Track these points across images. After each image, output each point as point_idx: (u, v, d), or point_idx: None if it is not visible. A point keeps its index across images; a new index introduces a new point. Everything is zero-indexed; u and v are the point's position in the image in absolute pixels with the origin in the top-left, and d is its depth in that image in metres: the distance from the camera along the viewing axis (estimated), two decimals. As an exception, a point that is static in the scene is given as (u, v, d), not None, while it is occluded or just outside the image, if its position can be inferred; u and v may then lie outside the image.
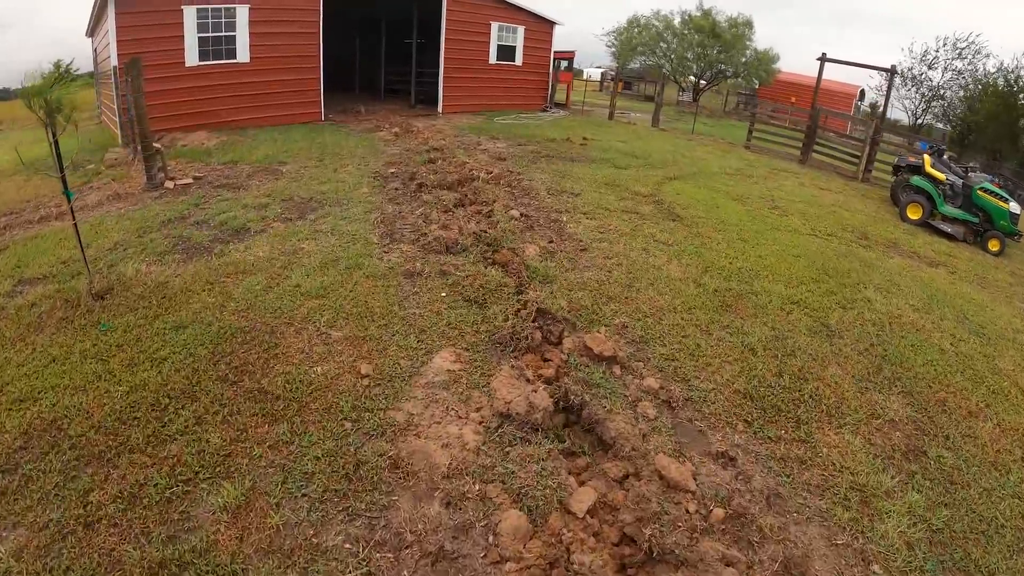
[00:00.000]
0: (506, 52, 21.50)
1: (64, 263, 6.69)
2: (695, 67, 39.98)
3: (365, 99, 23.02)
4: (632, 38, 40.81)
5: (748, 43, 39.66)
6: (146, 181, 9.91)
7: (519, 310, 5.31)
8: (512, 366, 4.62)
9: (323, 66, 17.03)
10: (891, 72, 20.38)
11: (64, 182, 5.62)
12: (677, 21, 41.01)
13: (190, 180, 10.22)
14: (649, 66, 43.08)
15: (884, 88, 43.89)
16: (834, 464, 4.26)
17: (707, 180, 12.83)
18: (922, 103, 41.93)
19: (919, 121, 42.23)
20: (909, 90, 42.39)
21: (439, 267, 6.26)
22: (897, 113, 42.50)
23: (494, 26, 20.82)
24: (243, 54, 15.34)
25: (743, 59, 39.31)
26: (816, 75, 46.50)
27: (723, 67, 39.80)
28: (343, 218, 7.85)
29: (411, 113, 19.69)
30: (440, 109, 19.93)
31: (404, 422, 4.04)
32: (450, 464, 3.71)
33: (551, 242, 7.38)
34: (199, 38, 14.75)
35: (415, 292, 5.74)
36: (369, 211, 8.17)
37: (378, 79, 24.32)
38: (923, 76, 40.61)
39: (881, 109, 31.02)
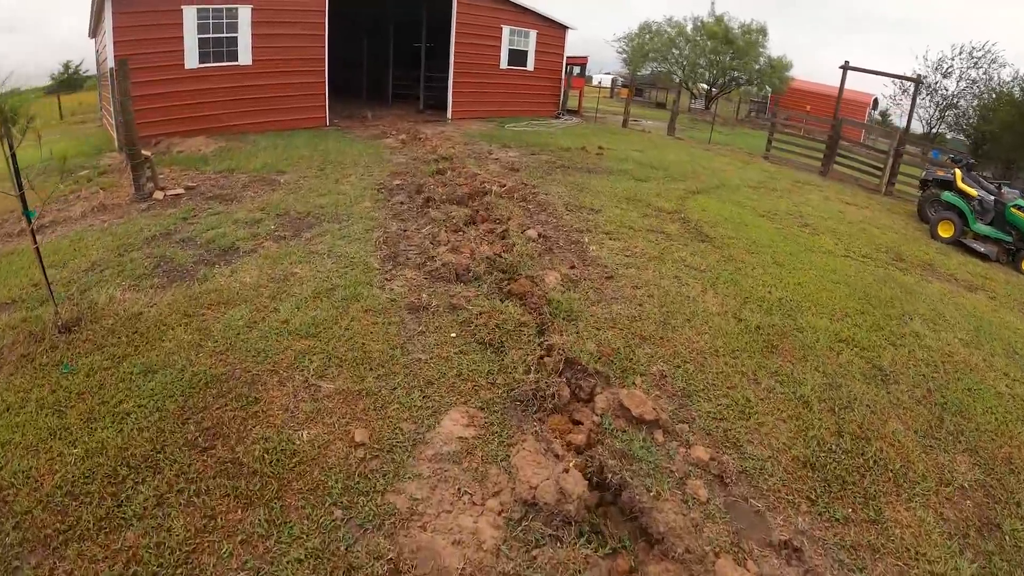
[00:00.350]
0: (517, 57, 20.77)
1: (36, 286, 5.95)
2: (707, 74, 39.21)
3: (372, 104, 22.33)
4: (644, 44, 40.08)
5: (762, 50, 38.94)
6: (134, 192, 9.19)
7: (542, 357, 4.53)
8: (536, 433, 3.85)
9: (328, 69, 16.33)
10: (916, 82, 19.49)
11: (23, 201, 4.87)
12: (689, 28, 40.36)
13: (181, 190, 9.49)
14: (660, 73, 42.36)
15: (898, 97, 43.13)
16: (908, 550, 3.54)
17: (731, 194, 12.05)
18: (936, 112, 41.05)
19: (934, 130, 41.34)
20: (923, 99, 41.52)
21: (448, 299, 5.49)
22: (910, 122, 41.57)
23: (505, 30, 20.10)
24: (245, 56, 14.63)
25: (756, 66, 38.55)
26: (829, 83, 45.78)
27: (736, 74, 39.03)
28: (342, 237, 7.10)
29: (419, 119, 18.96)
30: (449, 115, 19.19)
31: (406, 510, 3.26)
32: (463, 569, 2.95)
33: (573, 267, 6.60)
34: (199, 39, 14.06)
35: (420, 332, 4.97)
36: (371, 229, 7.41)
37: (385, 83, 23.61)
38: (938, 85, 39.71)
39: (906, 121, 30.12)
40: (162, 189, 9.49)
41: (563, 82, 22.69)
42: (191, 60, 14.08)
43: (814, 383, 5.09)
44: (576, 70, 23.92)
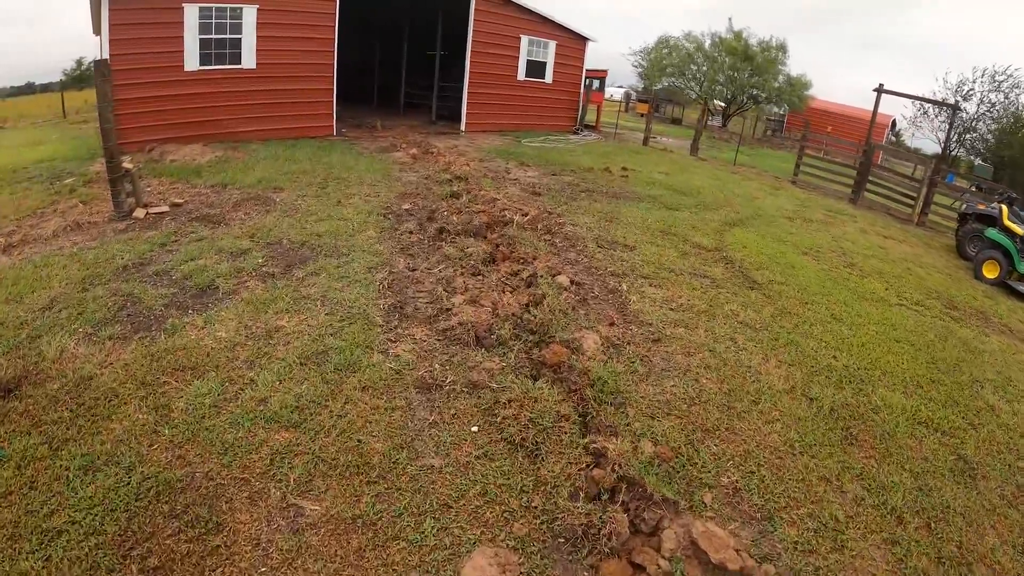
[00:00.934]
0: (536, 68, 19.80)
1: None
2: (726, 91, 38.20)
3: (383, 112, 21.38)
4: (662, 58, 39.11)
5: (781, 67, 37.94)
6: (113, 209, 8.19)
7: (589, 467, 3.50)
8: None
9: (338, 76, 15.37)
10: (954, 109, 18.46)
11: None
12: (708, 43, 39.37)
13: (166, 208, 8.50)
14: (676, 88, 41.35)
15: (918, 119, 42.14)
16: None
17: (768, 227, 11.03)
18: (954, 135, 40.09)
19: (952, 153, 40.37)
20: (943, 121, 40.56)
21: (467, 374, 4.45)
22: (925, 143, 40.68)
23: (524, 40, 19.13)
24: (249, 59, 13.67)
25: (775, 84, 37.54)
26: (849, 103, 44.82)
27: (755, 92, 38.02)
28: (340, 277, 6.08)
29: (431, 130, 17.97)
30: (463, 127, 18.21)
31: None
32: None
33: (613, 325, 5.57)
34: (201, 40, 13.11)
35: (432, 423, 3.93)
36: (374, 267, 6.39)
37: (398, 91, 22.61)
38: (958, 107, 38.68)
39: (923, 143, 29.25)
40: (145, 206, 8.51)
41: (582, 96, 21.71)
42: (191, 62, 13.13)
43: (904, 487, 4.18)
44: (595, 84, 22.94)
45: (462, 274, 6.13)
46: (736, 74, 37.48)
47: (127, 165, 8.38)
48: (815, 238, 11.01)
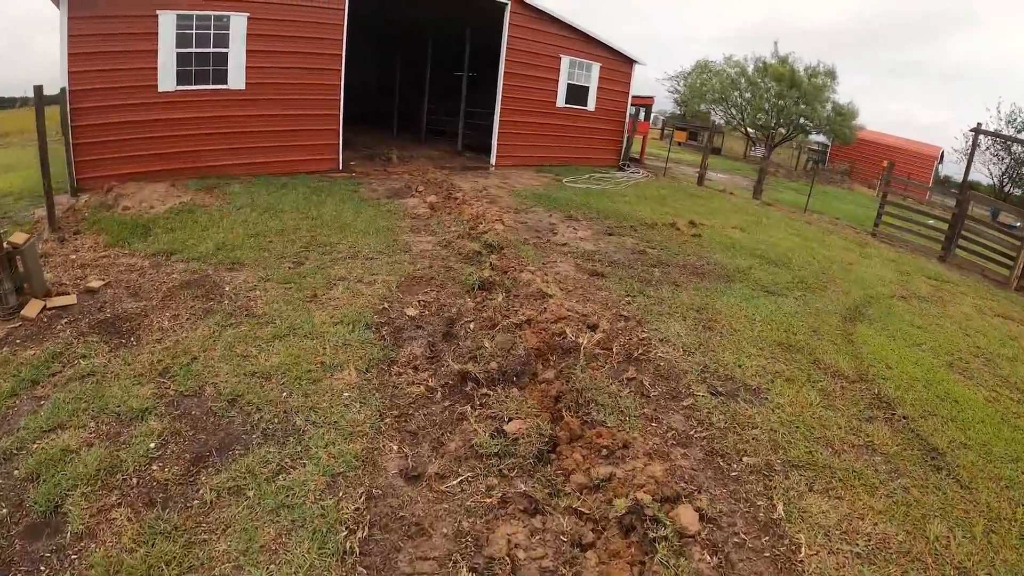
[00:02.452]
0: (577, 94, 16.99)
1: None
2: (772, 120, 35.15)
3: (402, 139, 18.67)
4: (702, 84, 36.16)
5: (831, 95, 34.85)
6: (-12, 302, 5.47)
7: None
8: None
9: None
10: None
11: None
12: (751, 68, 36.39)
13: (72, 300, 5.78)
14: (701, 113, 38.27)
15: (968, 150, 38.74)
16: None
17: (889, 318, 8.16)
18: (1007, 168, 36.73)
19: (1006, 189, 37.01)
20: (996, 152, 37.17)
21: None
22: (977, 176, 37.42)
23: (564, 61, 16.36)
24: (236, 78, 11.02)
25: (825, 113, 34.42)
26: (897, 133, 41.39)
27: (803, 121, 34.93)
28: (276, 507, 3.23)
29: (456, 164, 15.18)
30: (493, 161, 15.40)
31: None
32: None
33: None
34: (179, 55, 10.52)
35: None
36: (343, 473, 3.53)
37: (420, 116, 19.77)
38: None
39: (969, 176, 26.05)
40: (47, 295, 5.78)
41: (627, 126, 18.87)
42: (167, 81, 10.53)
43: None
44: (641, 112, 20.07)
45: (503, 502, 3.26)
46: (783, 101, 34.44)
47: (14, 241, 5.63)
48: (946, 334, 7.99)
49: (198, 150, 11.00)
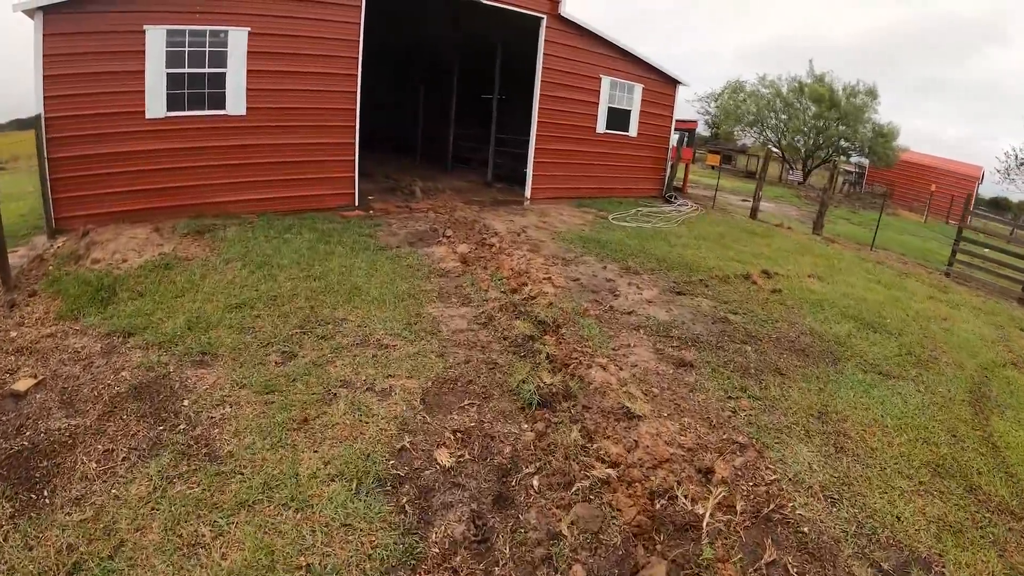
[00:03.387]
0: (618, 118, 15.15)
1: None
2: (811, 142, 33.07)
3: (426, 167, 16.91)
4: (738, 106, 34.18)
5: (873, 115, 32.69)
6: None
7: None
8: None
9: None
10: None
11: None
12: (785, 89, 34.37)
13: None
14: (727, 134, 36.28)
15: (1012, 171, 36.42)
16: None
17: (1017, 399, 6.27)
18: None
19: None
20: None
21: None
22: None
23: (605, 82, 14.55)
24: (236, 103, 9.34)
25: (868, 134, 32.26)
26: (926, 154, 38.98)
27: (843, 143, 32.81)
28: None
29: (486, 198, 13.36)
30: (528, 195, 13.55)
31: None
32: None
33: None
34: (169, 76, 8.86)
35: None
36: None
37: (445, 142, 17.95)
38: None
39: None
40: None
41: (670, 153, 16.98)
42: (156, 106, 8.87)
43: None
44: (686, 137, 18.17)
45: None
46: (822, 122, 32.38)
47: None
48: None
49: (193, 185, 9.32)
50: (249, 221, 9.17)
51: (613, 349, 5.68)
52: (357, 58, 10.07)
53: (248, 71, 9.20)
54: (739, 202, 20.45)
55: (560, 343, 5.52)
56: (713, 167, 34.06)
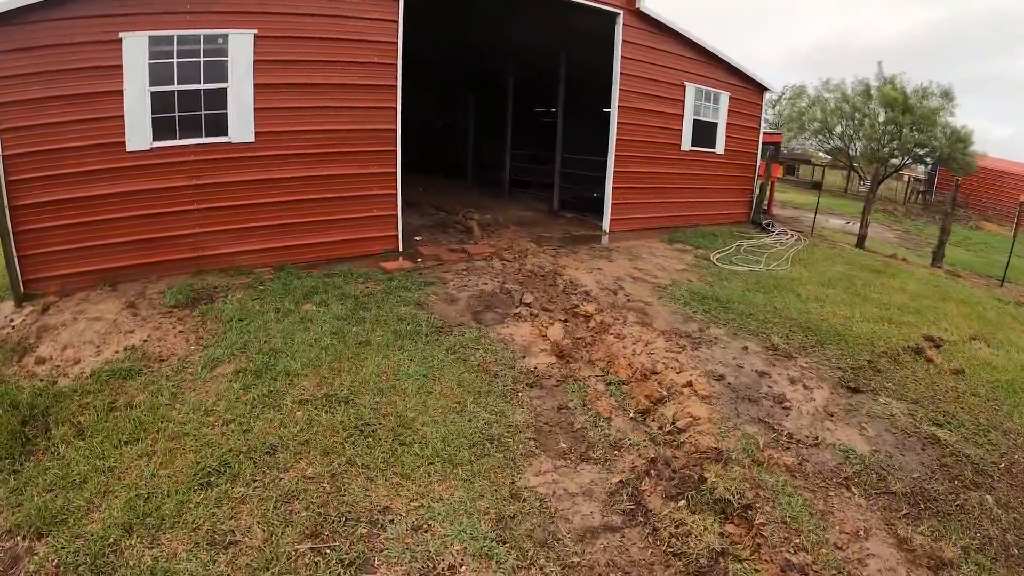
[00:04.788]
0: (704, 133, 12.40)
1: None
2: (885, 149, 29.55)
3: (480, 194, 14.33)
4: (802, 112, 30.83)
5: (950, 119, 28.95)
6: None
7: None
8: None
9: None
10: None
11: None
12: (850, 91, 30.87)
13: None
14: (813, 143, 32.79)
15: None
16: None
17: None
18: None
19: None
20: None
21: None
22: None
23: (690, 90, 11.84)
24: (241, 126, 6.93)
25: (944, 139, 28.56)
26: (1003, 159, 34.85)
27: (919, 150, 29.19)
28: None
29: (556, 232, 10.72)
30: (606, 227, 10.87)
31: None
32: None
33: None
34: (153, 95, 6.54)
35: None
36: None
37: (500, 163, 15.31)
38: None
39: None
40: None
41: (758, 172, 14.14)
42: (138, 137, 6.54)
43: None
44: (771, 152, 15.26)
45: None
46: (896, 128, 28.86)
47: None
48: None
49: (189, 235, 6.98)
50: (261, 280, 6.74)
51: (838, 548, 2.99)
52: (396, 64, 7.59)
53: (255, 85, 6.80)
54: (832, 224, 17.44)
55: (762, 550, 2.86)
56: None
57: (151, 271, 6.76)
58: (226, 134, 6.86)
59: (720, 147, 12.85)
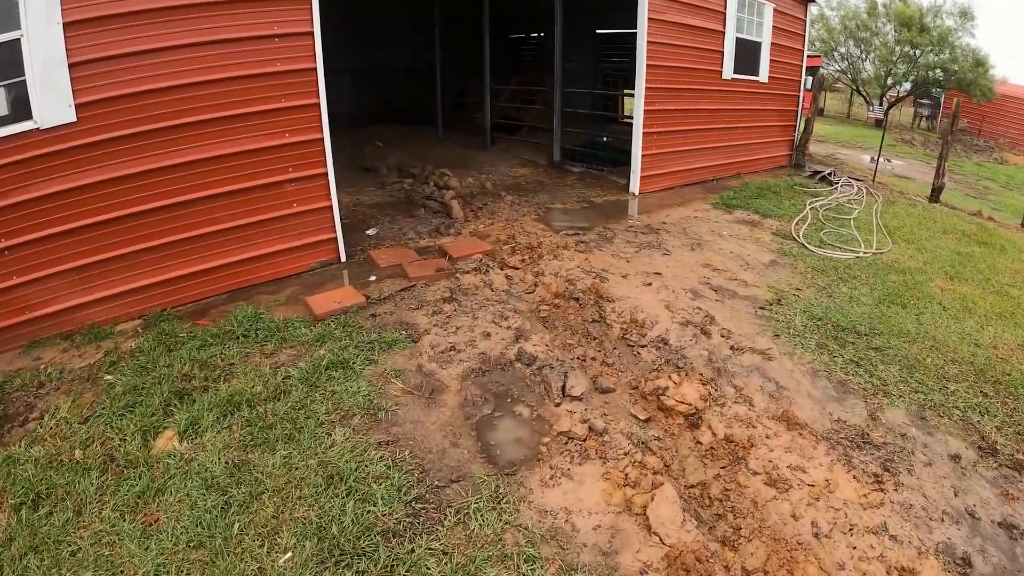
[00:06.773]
0: (746, 56, 9.33)
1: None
2: (900, 73, 26.48)
3: (455, 146, 11.12)
4: (845, 21, 27.46)
5: (970, 40, 25.87)
6: None
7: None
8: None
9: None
10: None
11: None
12: (864, 11, 27.48)
13: None
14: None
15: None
16: None
17: None
18: None
19: None
20: None
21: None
22: None
23: (731, 3, 8.68)
24: (51, 102, 3.77)
25: (965, 63, 25.47)
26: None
27: (937, 74, 26.15)
28: None
29: (571, 202, 7.69)
30: (635, 187, 7.87)
31: None
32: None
33: None
34: None
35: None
36: None
37: (478, 106, 11.97)
38: None
39: None
40: None
41: (802, 103, 11.15)
42: None
43: None
44: (809, 79, 12.16)
45: None
46: (914, 50, 25.76)
47: None
48: None
49: (2, 288, 3.96)
50: (116, 355, 3.80)
51: None
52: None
53: (65, 24, 3.64)
54: (865, 161, 14.60)
55: None
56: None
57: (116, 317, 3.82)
58: (29, 117, 3.75)
59: (764, 74, 9.81)
